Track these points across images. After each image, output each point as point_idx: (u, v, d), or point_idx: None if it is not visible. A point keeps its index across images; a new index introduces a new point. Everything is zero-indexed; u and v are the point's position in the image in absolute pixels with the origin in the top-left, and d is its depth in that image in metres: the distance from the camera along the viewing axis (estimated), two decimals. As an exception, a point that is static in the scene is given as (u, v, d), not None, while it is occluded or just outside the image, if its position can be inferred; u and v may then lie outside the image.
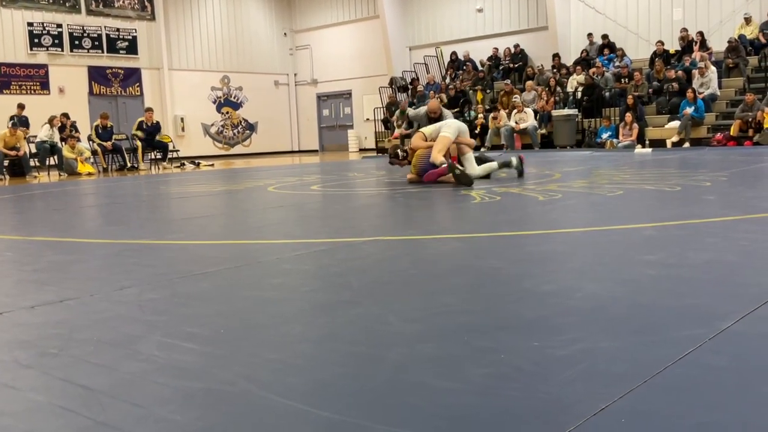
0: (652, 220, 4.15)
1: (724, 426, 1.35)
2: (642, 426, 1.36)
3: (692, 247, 3.20)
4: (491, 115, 16.13)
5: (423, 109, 8.91)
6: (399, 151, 7.99)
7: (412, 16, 21.70)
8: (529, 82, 16.89)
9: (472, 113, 16.92)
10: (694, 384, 1.55)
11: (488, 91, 18.27)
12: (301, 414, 1.48)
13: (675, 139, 13.50)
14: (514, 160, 7.61)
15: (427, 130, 7.75)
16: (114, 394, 1.64)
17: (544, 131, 15.47)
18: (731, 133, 12.94)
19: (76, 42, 19.69)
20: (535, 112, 15.67)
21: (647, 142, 13.85)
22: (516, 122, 15.47)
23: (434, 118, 8.65)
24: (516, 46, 18.93)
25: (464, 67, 19.42)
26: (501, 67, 18.94)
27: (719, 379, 1.57)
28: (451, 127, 7.58)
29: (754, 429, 1.34)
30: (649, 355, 1.74)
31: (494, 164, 7.68)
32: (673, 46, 16.18)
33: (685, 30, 15.86)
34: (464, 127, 7.80)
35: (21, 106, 15.53)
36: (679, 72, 14.54)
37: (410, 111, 9.12)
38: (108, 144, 15.56)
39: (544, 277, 2.76)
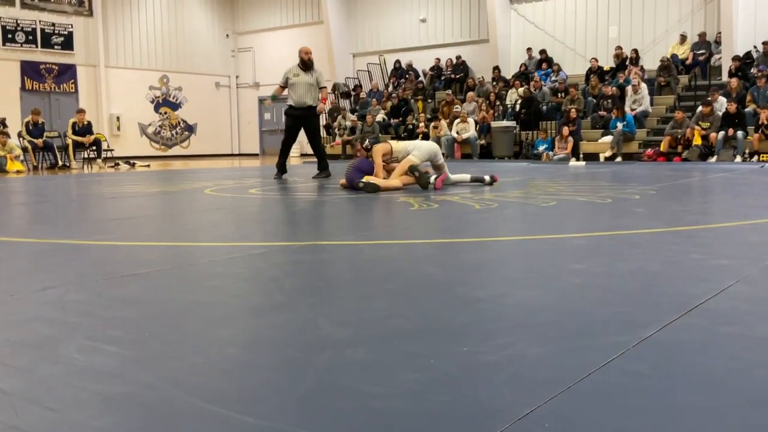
0: (582, 231, 4.24)
1: (643, 431, 1.38)
2: (565, 431, 1.38)
3: (619, 257, 3.28)
4: (432, 124, 16.28)
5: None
6: (368, 141, 7.49)
7: (357, 23, 21.73)
8: (470, 93, 17.11)
9: (415, 122, 17.04)
10: (616, 390, 1.59)
11: (430, 100, 18.43)
12: (223, 419, 1.45)
13: (608, 153, 13.89)
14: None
15: (396, 145, 7.50)
16: (29, 397, 1.58)
17: (483, 142, 15.69)
18: (661, 149, 13.40)
19: (9, 36, 19.03)
20: (475, 122, 15.89)
21: (581, 155, 14.21)
22: (458, 132, 15.66)
23: (304, 65, 9.42)
24: (458, 57, 19.17)
25: (407, 76, 19.56)
26: (443, 78, 19.15)
27: (641, 386, 1.61)
28: (421, 150, 7.23)
29: (671, 433, 1.38)
30: (574, 361, 1.77)
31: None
32: (608, 63, 16.67)
33: (619, 48, 16.37)
34: (436, 147, 7.43)
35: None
36: (614, 88, 14.97)
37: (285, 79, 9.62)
38: (39, 141, 15.05)
39: (477, 284, 2.79)
